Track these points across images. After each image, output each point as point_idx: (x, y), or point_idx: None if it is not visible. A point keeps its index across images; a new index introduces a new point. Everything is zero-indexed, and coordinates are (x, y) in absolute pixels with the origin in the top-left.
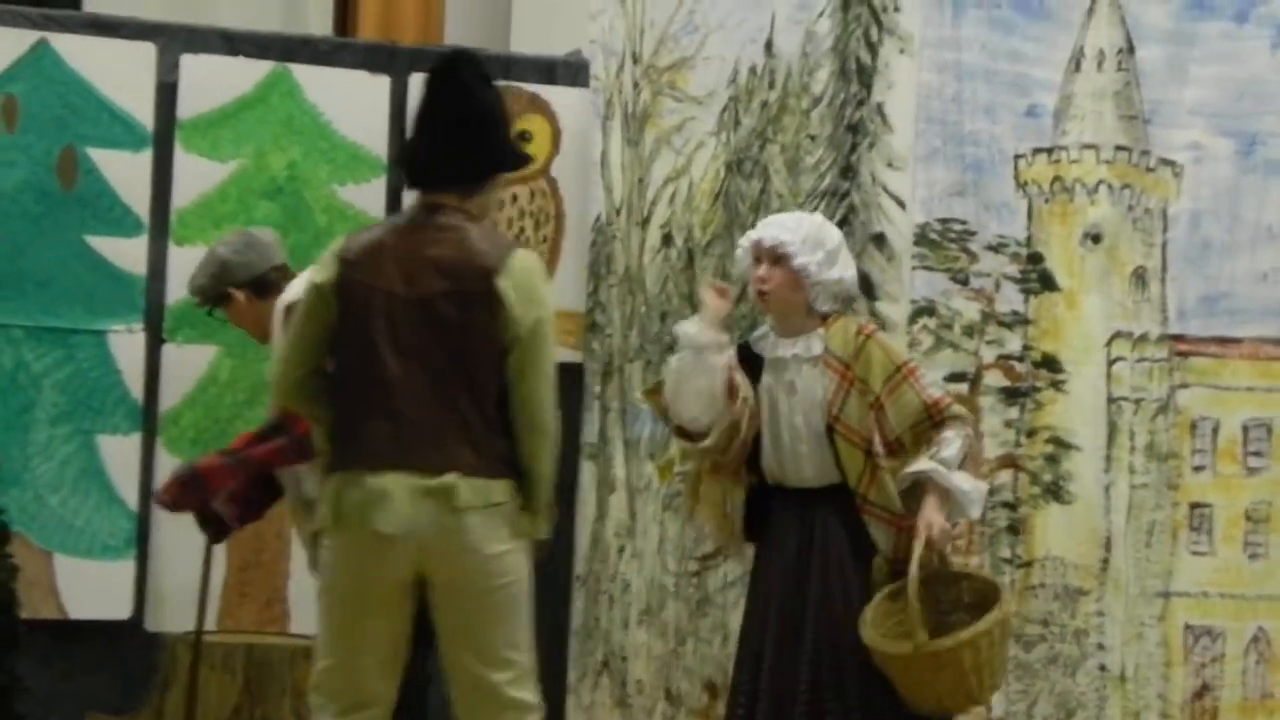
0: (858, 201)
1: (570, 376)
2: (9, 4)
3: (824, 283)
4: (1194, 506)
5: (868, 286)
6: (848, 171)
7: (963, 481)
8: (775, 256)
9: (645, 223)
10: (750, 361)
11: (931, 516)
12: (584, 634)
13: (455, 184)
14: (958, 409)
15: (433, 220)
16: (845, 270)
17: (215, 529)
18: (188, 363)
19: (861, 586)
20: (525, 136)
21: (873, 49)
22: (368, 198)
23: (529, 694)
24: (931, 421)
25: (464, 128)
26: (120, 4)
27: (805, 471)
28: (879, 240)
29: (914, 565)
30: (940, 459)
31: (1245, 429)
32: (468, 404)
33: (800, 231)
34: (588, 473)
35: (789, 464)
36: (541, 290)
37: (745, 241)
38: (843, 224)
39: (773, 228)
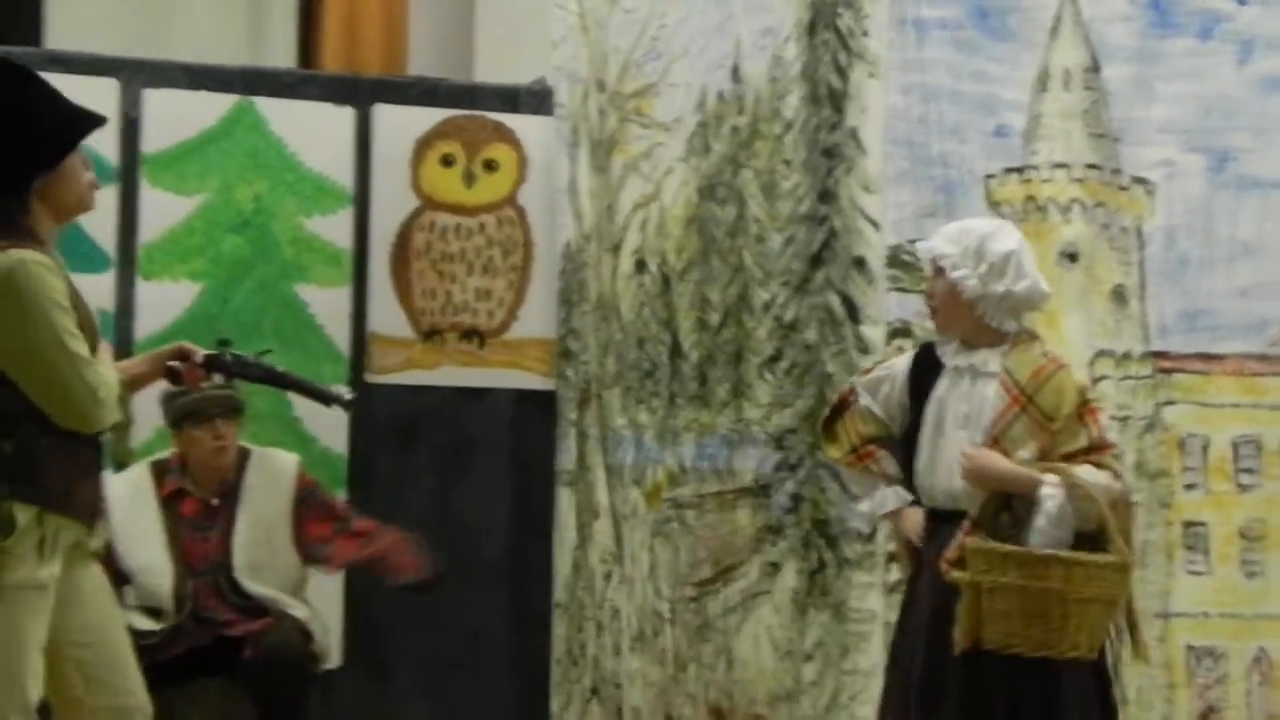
0: (839, 226)
1: (542, 404)
2: None
3: (988, 296)
4: (1188, 525)
5: (852, 311)
6: (825, 196)
7: (1054, 493)
8: (937, 269)
9: (616, 249)
10: (931, 366)
11: (996, 460)
12: (568, 661)
13: None
14: (1117, 465)
15: None
16: (1016, 283)
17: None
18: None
19: None
20: (492, 165)
21: (842, 73)
22: (335, 229)
23: None
24: (1086, 454)
25: None
26: (81, 39)
27: (956, 486)
28: (860, 263)
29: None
30: (1067, 469)
31: (1235, 446)
32: None
33: (963, 242)
34: (565, 499)
35: (943, 479)
36: None
37: (918, 253)
38: (824, 248)
39: (936, 238)
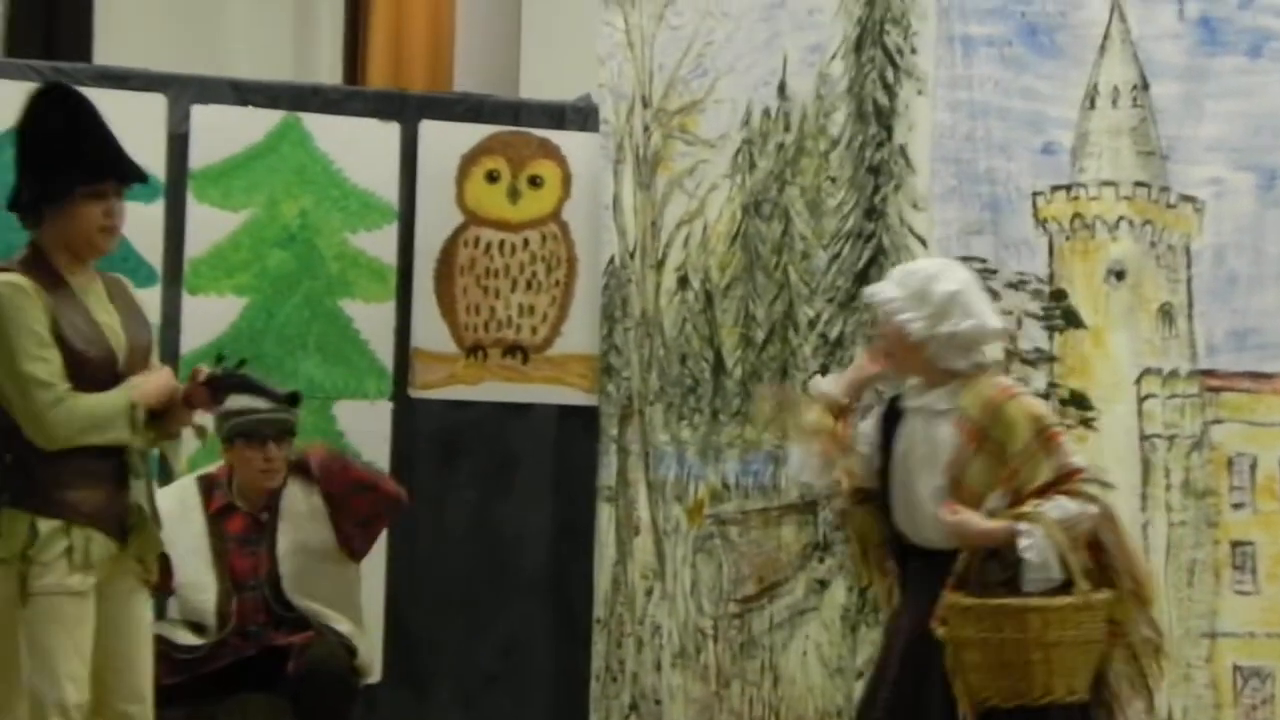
0: (887, 243)
1: (585, 419)
2: (20, 58)
3: (936, 338)
4: (1235, 545)
5: None
6: (872, 213)
7: (1030, 544)
8: (885, 314)
9: (660, 265)
10: (896, 415)
11: (977, 522)
12: (607, 677)
13: (21, 223)
14: (1092, 489)
15: None
16: (961, 322)
17: None
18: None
19: None
20: (536, 181)
21: (890, 91)
22: (380, 244)
23: None
24: (1057, 487)
25: (14, 167)
26: (130, 56)
27: (928, 532)
28: None
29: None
30: (1039, 511)
31: None
32: None
33: (908, 285)
34: (605, 515)
35: (916, 522)
36: None
37: (865, 298)
38: (871, 265)
39: (884, 284)
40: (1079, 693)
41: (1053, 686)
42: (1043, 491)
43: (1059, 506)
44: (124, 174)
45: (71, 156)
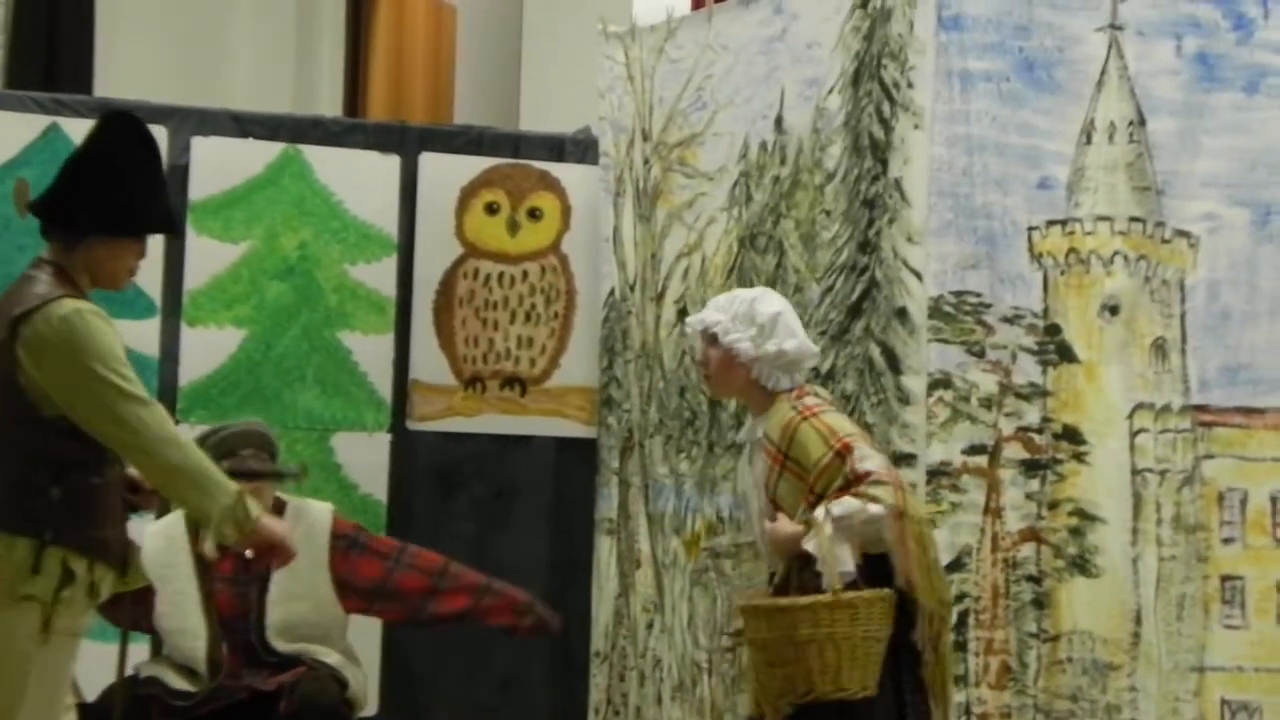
0: (880, 276)
1: (582, 451)
2: (20, 89)
3: (762, 358)
4: (1225, 579)
5: (893, 361)
6: (866, 246)
7: (811, 539)
8: (710, 338)
9: (659, 298)
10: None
11: (784, 526)
12: (608, 710)
13: (49, 229)
14: (878, 491)
15: (28, 270)
16: (784, 342)
17: None
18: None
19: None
20: (536, 214)
21: (886, 124)
22: (379, 276)
23: None
24: (848, 490)
25: (70, 177)
26: (131, 87)
27: (774, 556)
28: (902, 314)
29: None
30: (826, 507)
31: (1274, 500)
32: None
33: (731, 310)
34: (605, 548)
35: (764, 549)
36: (54, 343)
37: (687, 327)
38: (864, 298)
39: (706, 310)
40: (851, 689)
41: (815, 683)
42: (835, 495)
43: (840, 504)
44: (171, 228)
45: (151, 197)
